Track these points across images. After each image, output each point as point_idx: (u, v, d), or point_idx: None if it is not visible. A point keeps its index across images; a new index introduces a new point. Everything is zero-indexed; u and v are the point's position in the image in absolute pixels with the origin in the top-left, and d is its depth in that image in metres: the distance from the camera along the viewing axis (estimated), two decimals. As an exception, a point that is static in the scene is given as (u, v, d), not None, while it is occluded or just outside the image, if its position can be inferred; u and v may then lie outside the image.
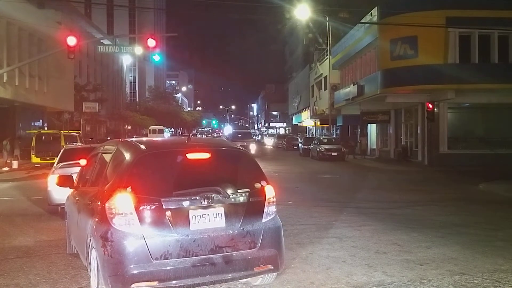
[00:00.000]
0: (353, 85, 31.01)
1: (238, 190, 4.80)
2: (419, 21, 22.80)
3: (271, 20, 65.63)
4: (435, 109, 25.10)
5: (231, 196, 4.74)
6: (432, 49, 24.62)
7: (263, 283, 5.29)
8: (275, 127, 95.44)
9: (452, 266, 6.09)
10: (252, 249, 4.72)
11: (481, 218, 10.01)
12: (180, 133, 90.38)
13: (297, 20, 45.48)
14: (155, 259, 4.36)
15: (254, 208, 4.83)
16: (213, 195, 4.64)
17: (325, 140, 33.02)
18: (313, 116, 49.46)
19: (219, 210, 4.66)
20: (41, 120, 35.18)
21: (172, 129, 79.69)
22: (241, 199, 4.80)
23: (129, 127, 64.52)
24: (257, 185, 4.96)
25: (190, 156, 4.96)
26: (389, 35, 26.19)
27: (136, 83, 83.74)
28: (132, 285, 4.31)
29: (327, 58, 40.06)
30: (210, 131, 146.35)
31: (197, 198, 4.57)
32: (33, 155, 23.71)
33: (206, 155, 5.08)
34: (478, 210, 11.27)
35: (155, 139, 8.56)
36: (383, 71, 26.12)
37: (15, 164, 23.97)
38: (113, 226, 4.41)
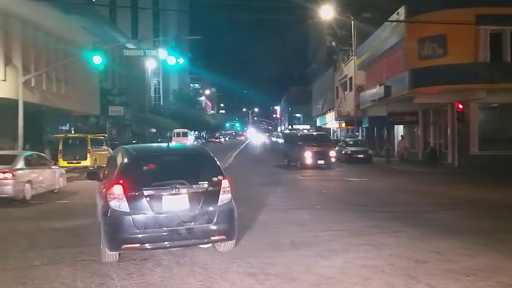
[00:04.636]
0: (380, 85, 30.37)
1: (199, 182, 6.63)
2: (448, 19, 22.18)
3: (294, 21, 65.21)
4: (465, 109, 24.37)
5: (194, 186, 6.57)
6: (461, 48, 23.88)
7: (225, 249, 7.02)
8: (299, 129, 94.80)
9: (501, 277, 5.67)
10: (209, 224, 6.53)
11: (522, 224, 9.48)
12: (204, 136, 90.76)
13: (321, 21, 45.06)
14: (138, 229, 6.27)
15: (211, 195, 6.62)
16: (179, 186, 6.47)
17: (351, 142, 32.36)
18: (338, 117, 48.79)
19: (184, 196, 6.49)
20: (68, 124, 35.55)
21: (196, 132, 79.94)
22: (201, 188, 6.60)
23: (154, 130, 64.96)
24: (215, 179, 6.72)
25: (166, 158, 7.23)
26: (416, 34, 25.54)
27: (161, 86, 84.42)
28: (123, 246, 6.31)
29: (352, 59, 39.45)
30: (234, 133, 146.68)
31: (168, 187, 6.44)
32: (60, 159, 23.89)
33: (178, 158, 7.40)
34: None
35: (145, 145, 10.53)
36: (411, 71, 25.47)
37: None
38: (111, 206, 6.35)
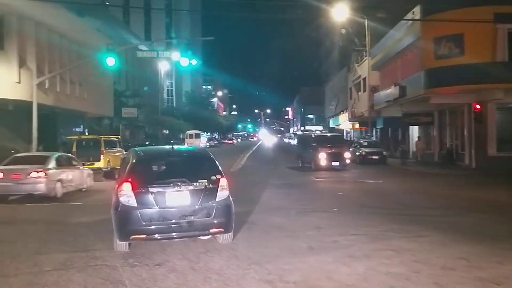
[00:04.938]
0: (394, 86, 29.91)
1: (199, 180, 7.26)
2: (465, 18, 21.74)
3: (306, 21, 64.71)
4: (483, 109, 23.85)
5: (194, 184, 7.20)
6: (479, 47, 23.45)
7: (224, 241, 7.69)
8: (311, 130, 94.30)
9: (534, 286, 5.36)
10: (208, 218, 7.20)
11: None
12: (216, 137, 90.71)
13: (334, 21, 44.62)
14: (144, 222, 6.98)
15: (210, 192, 7.27)
16: (181, 183, 7.14)
17: (365, 143, 31.92)
18: (352, 118, 48.34)
19: (186, 193, 7.16)
20: (81, 126, 35.63)
21: (209, 133, 79.89)
22: (201, 186, 7.23)
23: (167, 132, 65.00)
24: (213, 177, 7.38)
25: (170, 159, 7.95)
26: (432, 34, 25.14)
27: (173, 88, 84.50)
28: (131, 237, 7.03)
29: (366, 59, 39.02)
30: (246, 135, 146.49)
31: (171, 185, 7.13)
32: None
33: (181, 159, 8.17)
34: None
35: (153, 148, 11.96)
36: (427, 71, 25.00)
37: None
38: (121, 202, 7.06)
